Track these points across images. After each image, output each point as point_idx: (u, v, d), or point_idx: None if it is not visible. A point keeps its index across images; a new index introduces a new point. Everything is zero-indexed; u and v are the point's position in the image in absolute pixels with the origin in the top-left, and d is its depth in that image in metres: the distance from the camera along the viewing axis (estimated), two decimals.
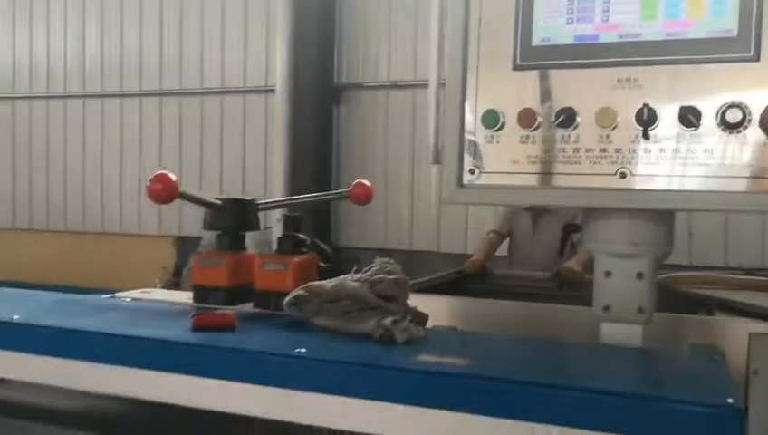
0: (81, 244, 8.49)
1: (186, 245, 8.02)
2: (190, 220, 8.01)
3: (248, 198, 1.42)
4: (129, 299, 1.42)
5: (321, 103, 7.13)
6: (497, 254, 4.80)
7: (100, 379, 1.08)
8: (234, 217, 1.38)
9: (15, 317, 1.16)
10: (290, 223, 1.35)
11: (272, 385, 0.97)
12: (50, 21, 8.55)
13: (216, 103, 7.88)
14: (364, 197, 1.49)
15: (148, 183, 1.26)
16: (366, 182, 1.52)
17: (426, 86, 6.24)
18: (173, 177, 1.27)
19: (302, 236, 1.35)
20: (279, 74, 6.89)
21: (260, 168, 7.67)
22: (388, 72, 7.14)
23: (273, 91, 7.15)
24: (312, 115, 7.05)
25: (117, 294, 1.45)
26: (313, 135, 7.07)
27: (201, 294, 1.35)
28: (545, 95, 1.29)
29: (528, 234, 4.60)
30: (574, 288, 3.83)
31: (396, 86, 7.11)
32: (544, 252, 4.52)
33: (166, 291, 1.58)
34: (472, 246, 6.19)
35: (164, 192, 1.24)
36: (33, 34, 8.64)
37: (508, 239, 4.77)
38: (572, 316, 1.83)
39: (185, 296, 1.46)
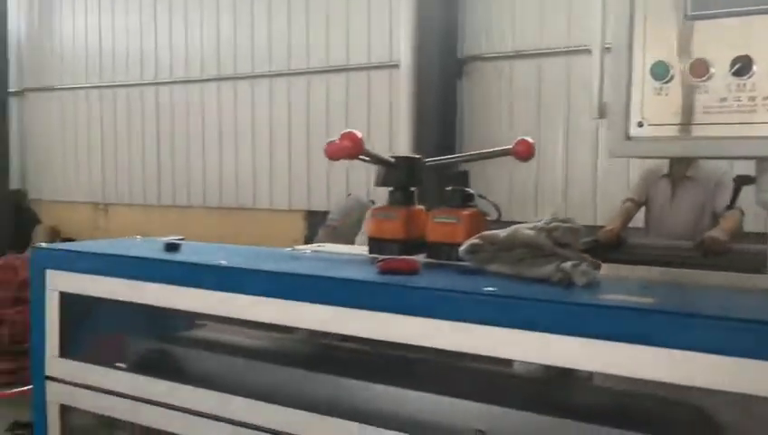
0: (217, 218, 9.06)
1: (315, 219, 8.36)
2: (319, 196, 8.35)
3: (416, 156, 1.51)
4: (308, 251, 1.55)
5: (444, 77, 7.16)
6: (630, 225, 4.68)
7: (304, 316, 1.21)
8: (405, 174, 1.48)
9: (223, 262, 1.32)
10: (458, 178, 1.42)
11: (465, 321, 1.05)
12: (187, 13, 9.10)
13: (341, 81, 8.10)
14: (526, 153, 1.54)
15: (336, 140, 1.37)
16: (529, 139, 1.56)
17: (552, 54, 6.13)
18: (359, 135, 1.38)
19: (469, 190, 1.42)
20: (403, 49, 6.99)
21: (384, 143, 7.82)
22: (512, 42, 7.05)
23: (397, 66, 7.26)
24: (436, 89, 7.09)
25: (295, 247, 1.59)
26: (437, 110, 7.12)
27: (376, 246, 1.46)
28: (718, 44, 1.28)
29: (666, 202, 4.44)
30: (718, 257, 3.68)
31: (520, 56, 7.01)
32: (683, 221, 4.35)
33: (337, 245, 1.71)
34: (602, 216, 6.04)
35: (351, 149, 1.34)
36: (172, 24, 9.24)
37: (644, 208, 4.63)
38: (722, 281, 1.79)
39: (356, 249, 1.58)
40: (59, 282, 1.49)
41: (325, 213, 8.09)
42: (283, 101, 8.50)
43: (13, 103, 10.56)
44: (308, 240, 8.36)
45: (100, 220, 10.03)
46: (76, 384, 1.49)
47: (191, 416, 1.38)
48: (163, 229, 8.58)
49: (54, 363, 1.51)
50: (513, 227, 1.27)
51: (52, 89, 10.35)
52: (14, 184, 10.58)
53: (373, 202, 8.03)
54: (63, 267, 1.49)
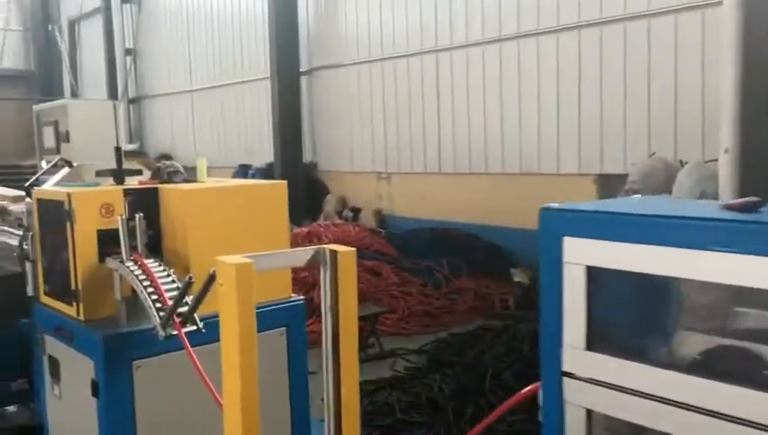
0: (500, 184, 8.80)
1: (608, 183, 7.68)
2: (614, 157, 7.64)
3: None
4: None
5: None
6: None
7: None
8: None
9: None
10: None
11: None
12: None
13: (641, 28, 7.26)
14: None
15: None
16: None
17: None
18: None
19: None
20: None
21: (696, 94, 6.86)
22: None
23: (715, 4, 6.26)
24: None
25: None
26: None
27: None
28: None
29: None
30: None
31: None
32: None
33: None
34: None
35: None
36: None
37: None
38: None
39: None
40: (584, 252, 1.18)
41: (621, 176, 7.37)
42: (573, 55, 7.88)
43: (303, 82, 11.34)
44: None
45: (383, 189, 10.38)
46: (609, 386, 1.16)
47: None
48: (447, 196, 8.59)
49: (577, 357, 1.20)
50: None
51: (336, 66, 10.90)
52: (306, 157, 11.41)
53: (682, 163, 7.11)
54: (589, 234, 1.17)
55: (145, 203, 2.95)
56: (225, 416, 1.94)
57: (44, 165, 4.01)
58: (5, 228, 4.06)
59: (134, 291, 2.78)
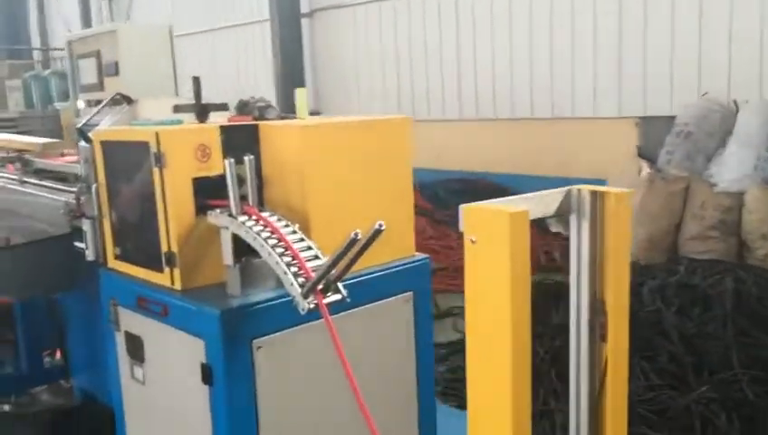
0: (527, 131, 8.30)
1: (652, 126, 7.25)
2: (659, 98, 7.17)
3: None
4: None
5: None
6: None
7: None
8: None
9: None
10: None
11: None
12: None
13: None
14: None
15: None
16: None
17: None
18: None
19: None
20: None
21: (754, 23, 6.40)
22: None
23: None
24: None
25: None
26: None
27: None
28: None
29: None
30: None
31: None
32: None
33: None
34: None
35: None
36: None
37: None
38: None
39: None
40: None
41: (667, 118, 6.93)
42: None
43: (304, 25, 10.57)
44: (643, 152, 7.27)
45: None
46: None
47: None
48: (468, 145, 7.99)
49: None
50: None
51: (341, 6, 10.15)
52: (309, 106, 10.71)
53: (736, 103, 6.68)
54: None
55: (242, 144, 2.39)
56: (472, 415, 1.44)
57: (81, 105, 3.38)
58: (29, 180, 3.42)
59: (240, 253, 2.24)
